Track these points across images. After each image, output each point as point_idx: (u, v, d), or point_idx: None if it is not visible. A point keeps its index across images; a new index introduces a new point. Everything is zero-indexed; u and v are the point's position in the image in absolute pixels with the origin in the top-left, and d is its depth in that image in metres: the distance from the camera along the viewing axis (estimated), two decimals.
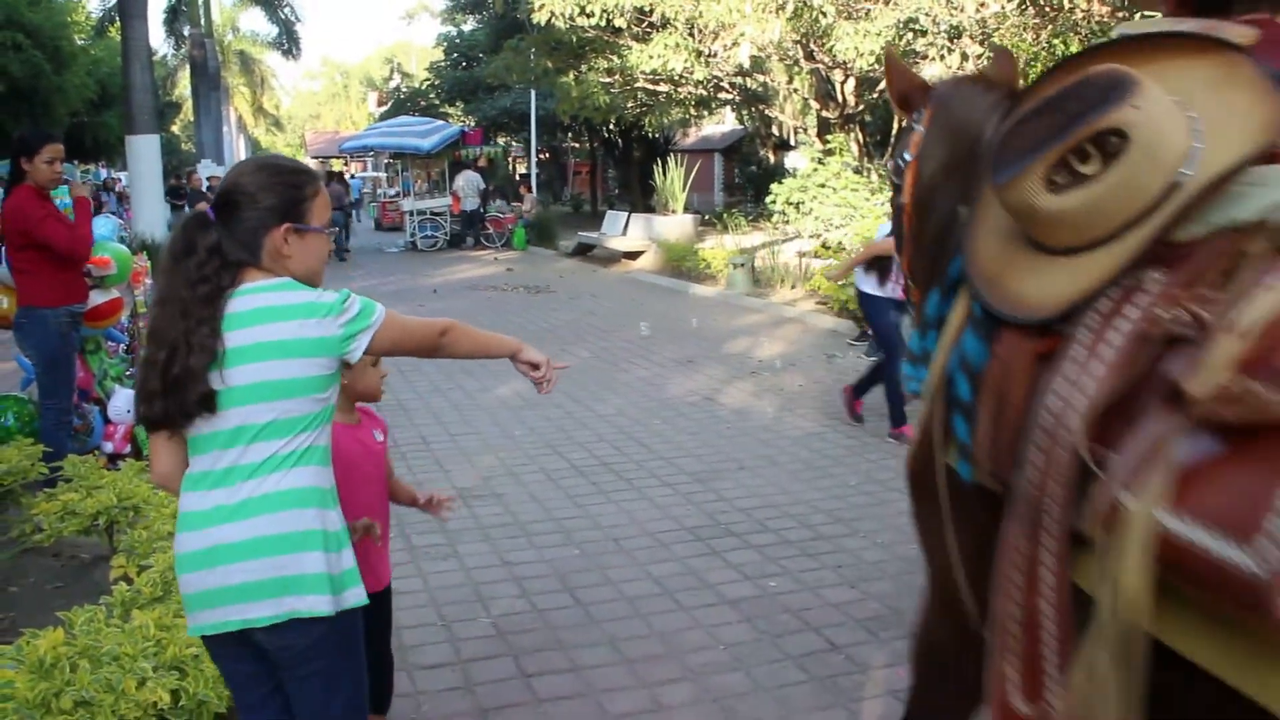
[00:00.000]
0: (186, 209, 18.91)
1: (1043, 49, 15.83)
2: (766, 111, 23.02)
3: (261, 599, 2.22)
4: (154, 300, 2.36)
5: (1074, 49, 16.05)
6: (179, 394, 2.20)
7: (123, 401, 6.58)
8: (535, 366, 2.74)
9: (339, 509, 2.39)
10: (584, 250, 22.33)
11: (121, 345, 7.63)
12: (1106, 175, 1.56)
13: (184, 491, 2.32)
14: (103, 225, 7.30)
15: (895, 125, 28.44)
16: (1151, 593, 1.33)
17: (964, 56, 15.67)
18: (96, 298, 6.30)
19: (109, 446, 6.48)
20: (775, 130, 25.25)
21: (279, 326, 2.23)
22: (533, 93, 27.44)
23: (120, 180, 34.24)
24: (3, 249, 5.94)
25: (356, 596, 2.34)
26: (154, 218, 18.68)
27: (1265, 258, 1.39)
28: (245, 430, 2.23)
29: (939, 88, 2.43)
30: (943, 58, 15.67)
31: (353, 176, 37.15)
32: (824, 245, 16.22)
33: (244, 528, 2.22)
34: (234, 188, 2.33)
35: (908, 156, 2.45)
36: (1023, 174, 1.65)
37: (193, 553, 2.26)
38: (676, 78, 18.99)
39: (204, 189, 18.38)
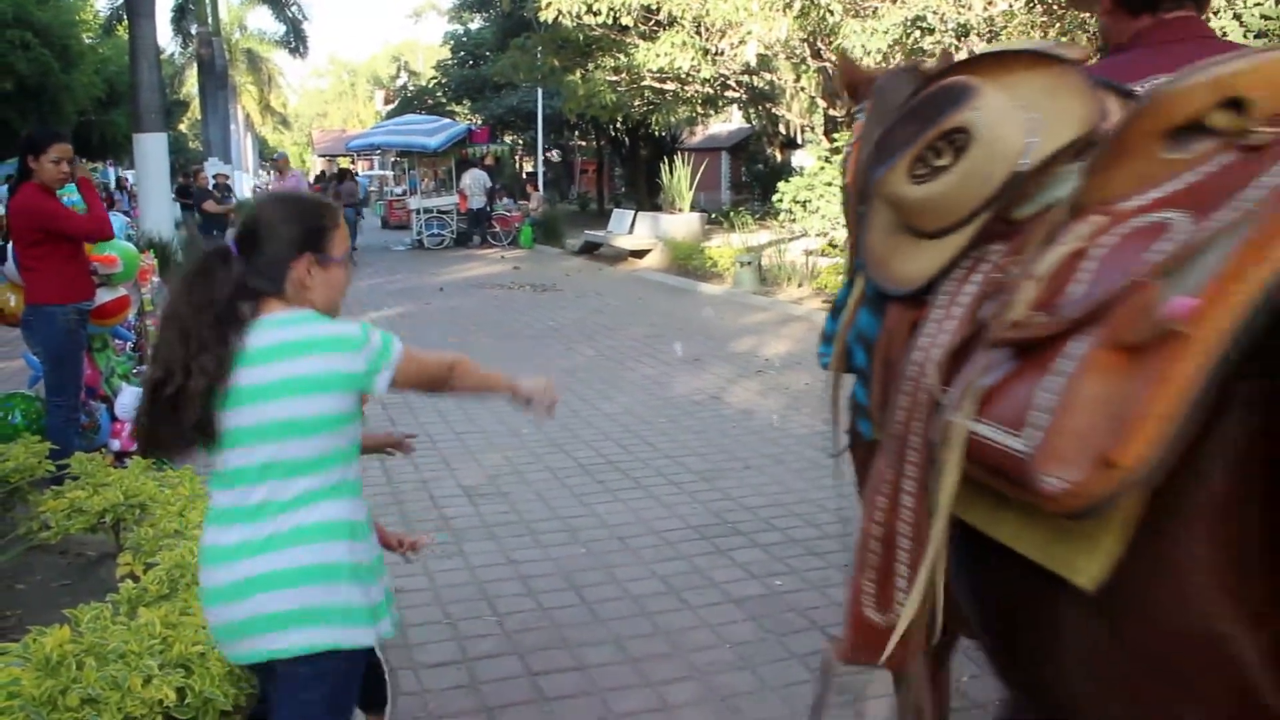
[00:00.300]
0: (195, 208, 18.96)
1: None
2: (773, 110, 23.00)
3: (298, 628, 2.23)
4: (160, 321, 2.36)
5: (1082, 46, 16.02)
6: (174, 418, 2.20)
7: (130, 399, 6.59)
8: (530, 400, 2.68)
9: (371, 539, 2.40)
10: (590, 249, 22.34)
11: (128, 343, 7.64)
12: (956, 167, 1.88)
13: (207, 526, 2.33)
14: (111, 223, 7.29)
15: None
16: (958, 484, 1.63)
17: (971, 55, 15.63)
18: (103, 295, 6.31)
19: (116, 444, 6.49)
20: (782, 129, 25.21)
21: (306, 361, 2.23)
22: (539, 91, 27.46)
23: (128, 179, 34.29)
24: (10, 247, 5.95)
25: (387, 628, 2.38)
26: (161, 216, 18.69)
27: (1065, 224, 1.68)
28: (275, 466, 2.23)
29: (879, 79, 2.67)
30: (1058, 43, 15.64)
31: (356, 175, 37.16)
32: (831, 244, 16.20)
33: (277, 559, 2.23)
34: (256, 220, 2.35)
35: (851, 140, 2.76)
36: (892, 170, 1.97)
37: (221, 586, 2.27)
38: (683, 76, 18.99)
39: (210, 186, 18.36)
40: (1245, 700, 1.38)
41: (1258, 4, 10.98)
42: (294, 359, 2.22)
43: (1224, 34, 10.69)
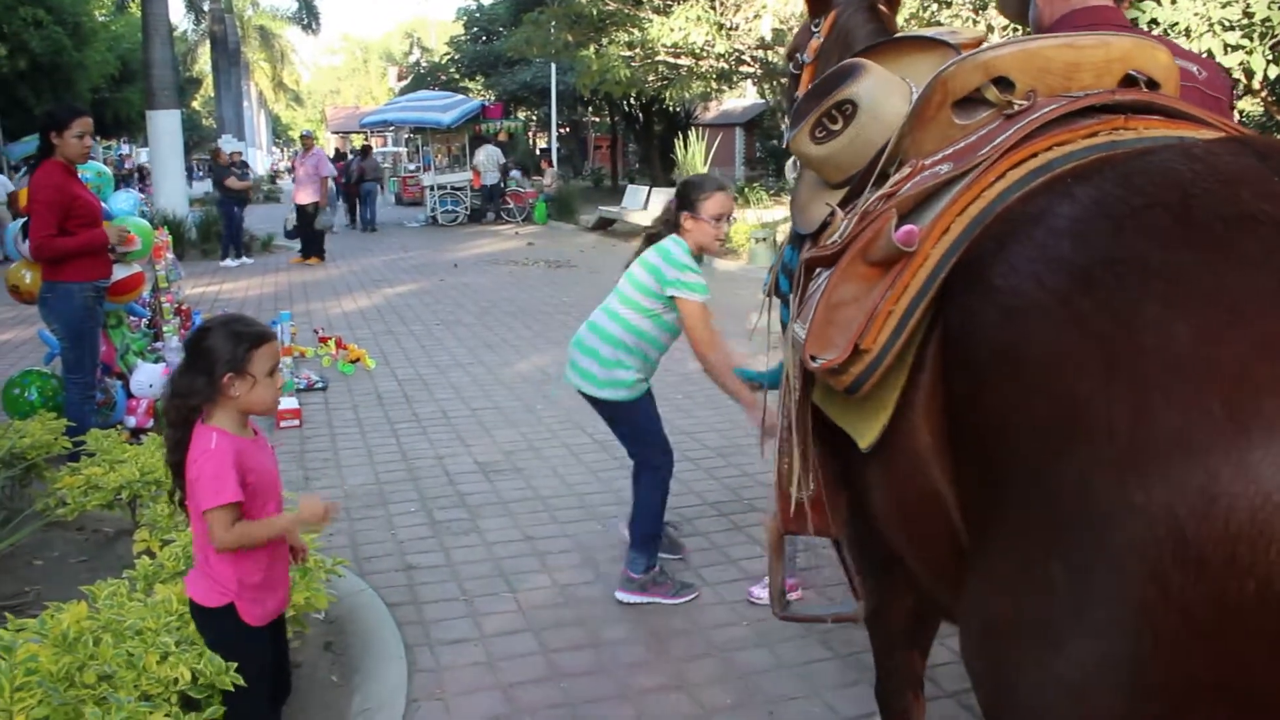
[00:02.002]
0: (216, 185, 18.95)
1: None
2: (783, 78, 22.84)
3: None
4: None
5: None
6: None
7: (145, 376, 6.60)
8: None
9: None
10: (605, 225, 22.27)
11: (143, 320, 7.64)
12: (846, 131, 2.32)
13: None
14: (124, 200, 7.28)
15: None
16: (803, 372, 2.09)
17: (990, 29, 15.50)
18: (119, 272, 6.30)
19: (131, 421, 6.50)
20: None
21: None
22: (553, 66, 27.37)
23: (130, 156, 34.27)
24: (25, 223, 5.94)
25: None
26: (175, 193, 18.72)
27: (893, 174, 2.09)
28: None
29: (841, 6, 3.11)
30: (952, 31, 15.49)
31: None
32: None
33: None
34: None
35: (805, 59, 3.24)
36: (799, 131, 2.43)
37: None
38: (697, 51, 18.85)
39: (229, 164, 18.39)
40: (954, 539, 1.74)
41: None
42: None
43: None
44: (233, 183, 17.43)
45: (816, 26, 3.22)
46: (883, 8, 3.15)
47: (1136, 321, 1.36)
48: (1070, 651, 1.37)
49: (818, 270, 2.12)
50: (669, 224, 4.33)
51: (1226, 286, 1.32)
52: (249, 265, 17.00)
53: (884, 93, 2.30)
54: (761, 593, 4.18)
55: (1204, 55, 11.64)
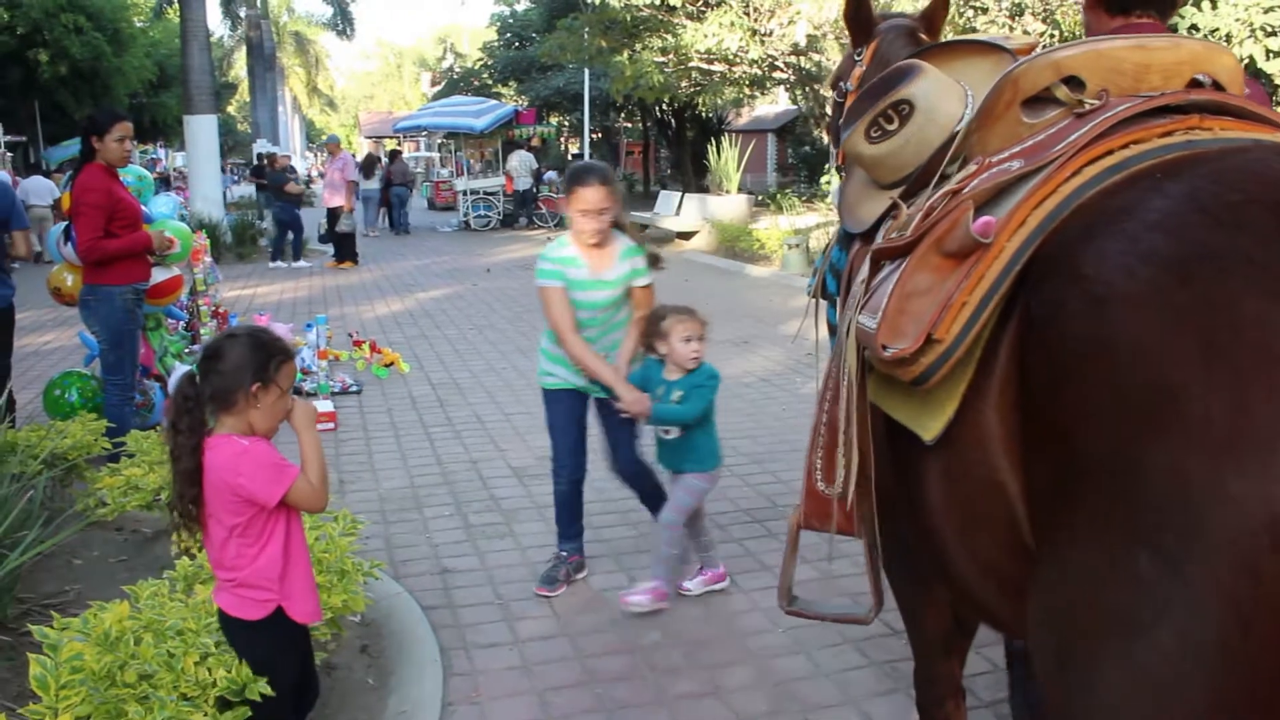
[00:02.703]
0: (270, 189, 19.21)
1: None
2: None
3: None
4: None
5: None
6: None
7: None
8: None
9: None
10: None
11: (181, 322, 7.71)
12: (902, 130, 2.31)
13: None
14: (164, 203, 7.35)
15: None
16: (861, 366, 2.11)
17: (1025, 35, 15.39)
18: (158, 275, 6.36)
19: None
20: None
21: None
22: (586, 72, 27.37)
23: (162, 161, 34.60)
24: (70, 226, 6.01)
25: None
26: (212, 196, 18.88)
27: (956, 172, 2.11)
28: None
29: (883, 29, 3.17)
30: (1005, 37, 15.40)
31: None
32: None
33: None
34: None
35: (849, 86, 3.26)
36: (854, 131, 2.41)
37: None
38: (731, 57, 18.83)
39: (286, 169, 18.65)
40: (1014, 531, 1.74)
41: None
42: None
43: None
44: (292, 188, 17.71)
45: (859, 55, 3.25)
46: (924, 35, 3.19)
47: (1237, 314, 1.36)
48: (1155, 643, 1.35)
49: (884, 263, 2.09)
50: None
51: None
52: (296, 269, 17.23)
53: (940, 94, 2.31)
54: (690, 584, 4.43)
55: (1245, 60, 11.53)
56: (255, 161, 26.78)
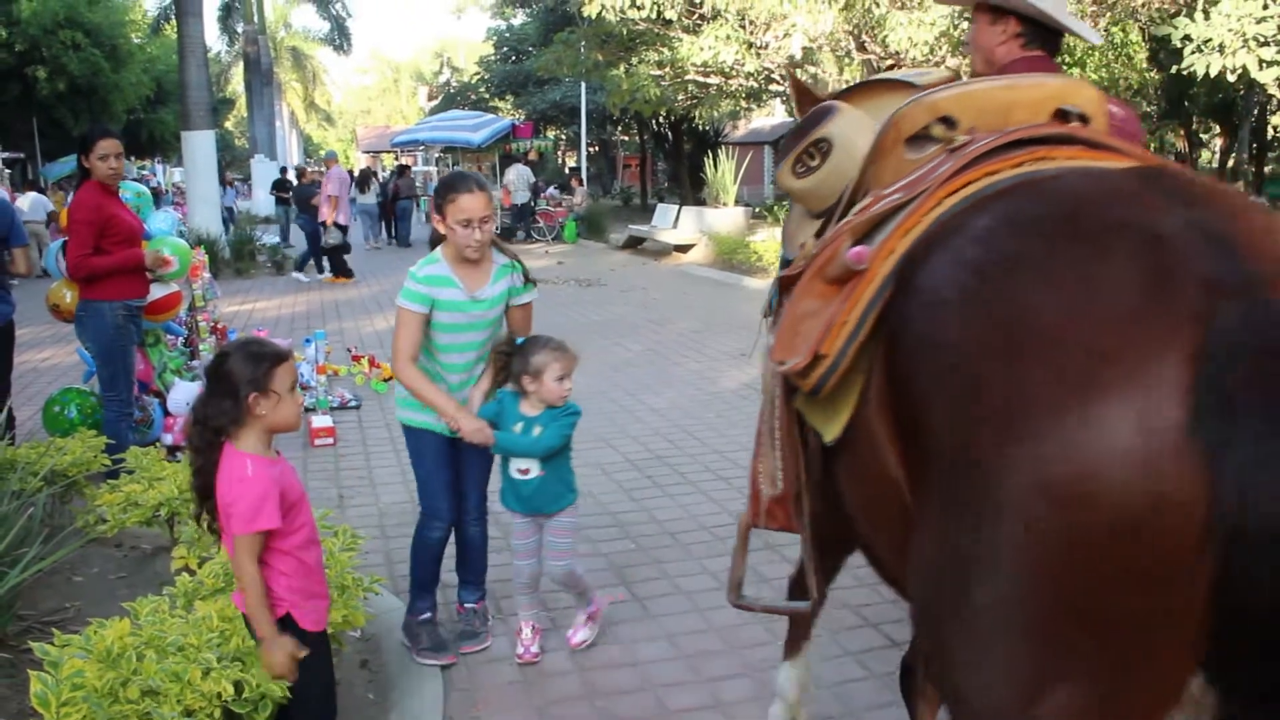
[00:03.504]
0: (292, 204, 19.27)
1: (1102, 37, 15.57)
2: None
3: None
4: None
5: (1133, 37, 15.78)
6: None
7: (182, 394, 6.65)
8: None
9: None
10: (635, 243, 22.32)
11: (180, 338, 7.71)
12: (824, 165, 2.63)
13: None
14: (163, 220, 7.36)
15: None
16: (784, 380, 2.32)
17: (947, 68, 15.45)
18: (156, 291, 6.37)
19: (169, 438, 6.55)
20: None
21: None
22: (583, 86, 27.46)
23: (153, 177, 34.72)
24: (65, 242, 6.02)
25: None
26: (210, 212, 18.89)
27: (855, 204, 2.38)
28: None
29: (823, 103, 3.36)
30: (922, 72, 15.42)
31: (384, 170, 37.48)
32: None
33: None
34: None
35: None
36: (782, 167, 2.74)
37: None
38: (727, 70, 18.87)
39: (313, 182, 18.75)
40: (907, 519, 1.86)
41: None
42: None
43: None
44: (319, 200, 17.70)
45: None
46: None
47: (1019, 305, 1.61)
48: (982, 587, 1.59)
49: (789, 289, 2.38)
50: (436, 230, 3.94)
51: (1094, 276, 1.56)
52: (309, 282, 17.39)
53: (854, 131, 2.61)
54: (581, 635, 4.12)
55: (1238, 70, 11.57)
56: (280, 174, 26.97)
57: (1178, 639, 1.49)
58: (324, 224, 17.10)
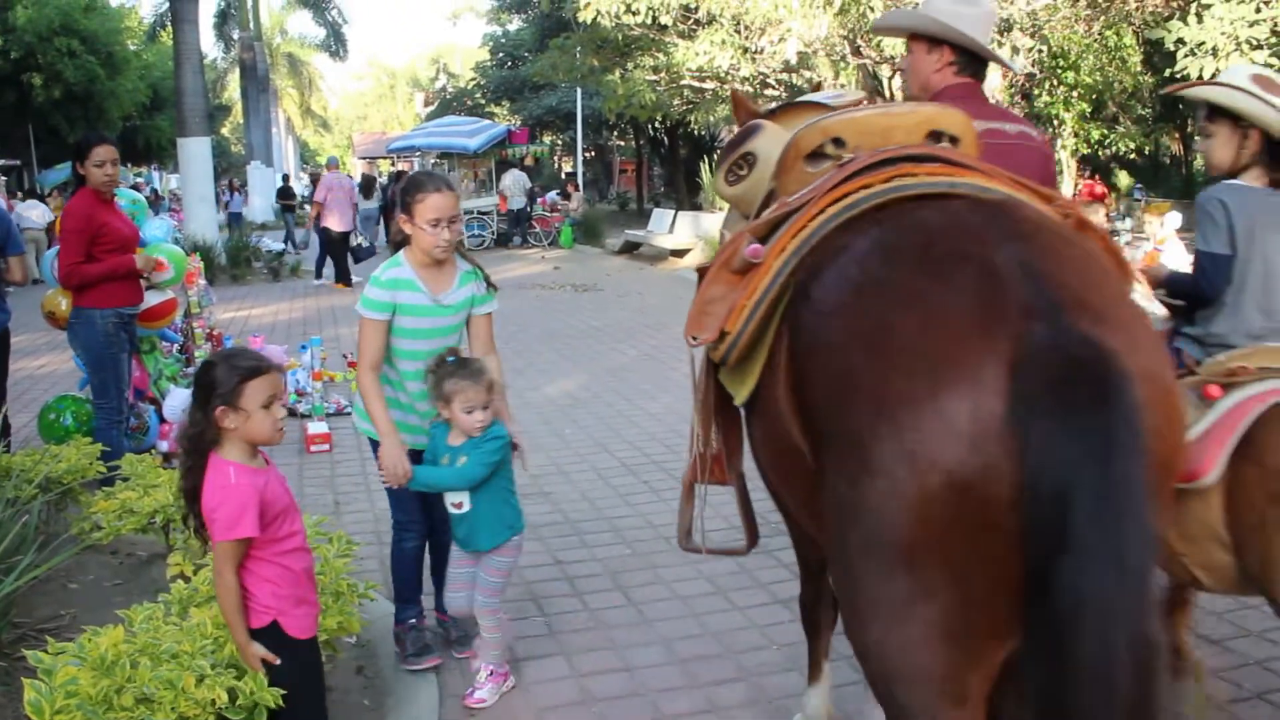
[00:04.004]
0: (297, 210, 19.23)
1: (1095, 40, 15.60)
2: None
3: None
4: None
5: (1127, 40, 15.81)
6: None
7: (177, 401, 6.65)
8: None
9: None
10: (631, 248, 22.33)
11: (176, 345, 7.72)
12: (750, 176, 3.08)
13: None
14: (158, 227, 7.37)
15: None
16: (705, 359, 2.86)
17: (1014, 50, 15.47)
18: (151, 298, 6.37)
19: (164, 445, 6.55)
20: None
21: None
22: (578, 91, 27.48)
23: (145, 186, 34.80)
24: (57, 251, 6.03)
25: None
26: (206, 218, 18.90)
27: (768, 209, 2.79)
28: None
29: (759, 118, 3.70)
30: (837, 94, 15.45)
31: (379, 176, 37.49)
32: None
33: None
34: None
35: None
36: (717, 174, 3.27)
37: None
38: (722, 74, 18.90)
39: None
40: (810, 475, 2.25)
41: None
42: None
43: None
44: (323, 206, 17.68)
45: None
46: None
47: (884, 319, 2.06)
48: (863, 522, 2.02)
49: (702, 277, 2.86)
50: (399, 231, 3.83)
51: (940, 299, 2.01)
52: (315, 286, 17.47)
53: (775, 146, 2.98)
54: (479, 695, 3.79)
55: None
56: (281, 183, 27.10)
57: (1000, 571, 1.90)
58: (327, 229, 17.10)
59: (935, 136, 2.69)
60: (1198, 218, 3.30)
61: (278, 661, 2.78)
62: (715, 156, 22.16)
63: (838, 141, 2.72)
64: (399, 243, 3.86)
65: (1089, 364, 1.84)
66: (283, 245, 21.19)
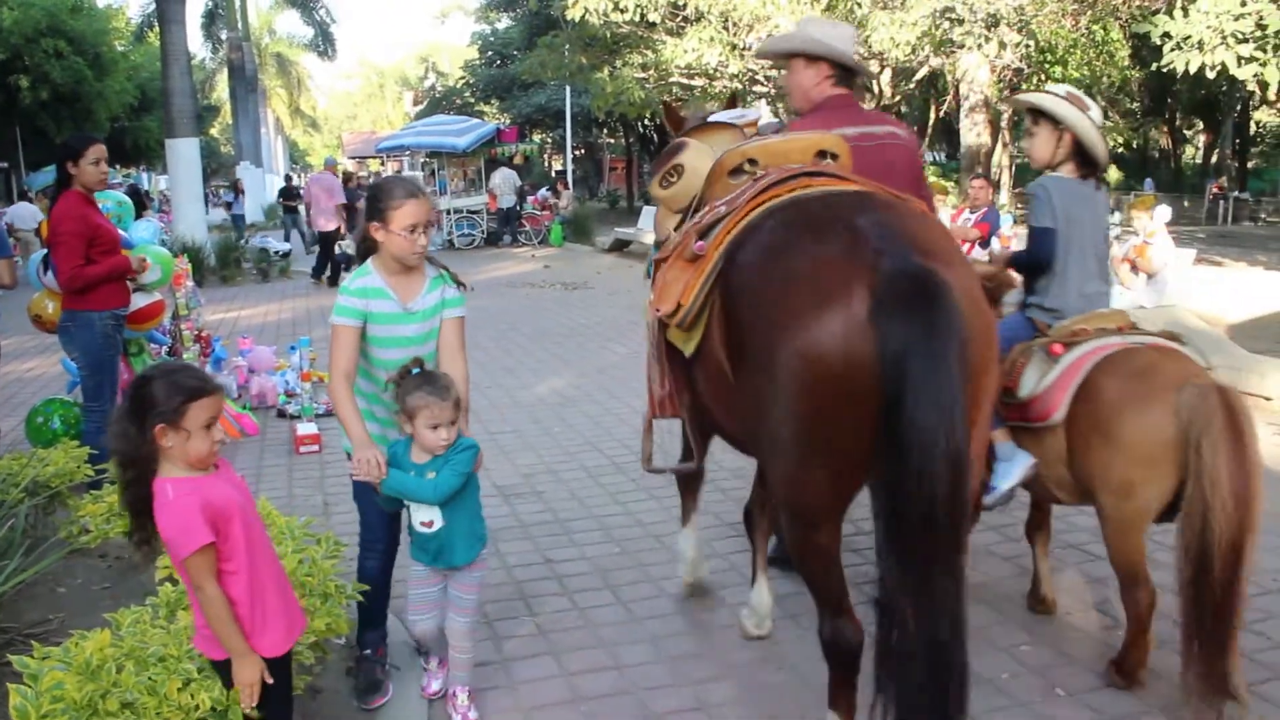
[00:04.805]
0: (299, 211, 19.17)
1: (1081, 35, 15.64)
2: None
3: None
4: None
5: (1114, 35, 15.85)
6: None
7: None
8: None
9: None
10: (621, 246, 22.33)
11: (164, 347, 7.70)
12: (679, 182, 3.99)
13: None
14: (144, 228, 7.35)
15: (931, 115, 28.08)
16: (658, 323, 3.63)
17: (1001, 45, 15.50)
18: (139, 300, 6.36)
19: None
20: None
21: None
22: (567, 89, 27.49)
23: (121, 187, 34.76)
24: (49, 254, 6.01)
25: None
26: (195, 219, 18.87)
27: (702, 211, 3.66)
28: None
29: (689, 122, 4.51)
30: (980, 46, 15.50)
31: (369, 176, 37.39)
32: None
33: None
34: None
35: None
36: (652, 181, 4.09)
37: None
38: (711, 71, 18.94)
39: (357, 186, 18.75)
40: (732, 390, 3.17)
41: None
42: None
43: None
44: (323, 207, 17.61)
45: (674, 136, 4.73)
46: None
47: (785, 266, 2.95)
48: (776, 402, 2.89)
49: (662, 264, 3.64)
50: (365, 239, 3.68)
51: (821, 249, 2.91)
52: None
53: (698, 159, 3.98)
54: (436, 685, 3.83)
55: (1218, 67, 11.63)
56: (284, 183, 27.11)
57: (867, 435, 2.73)
58: (338, 230, 17.07)
59: (822, 155, 3.61)
60: (1029, 202, 4.17)
61: (270, 681, 2.70)
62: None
63: (752, 161, 3.65)
64: (366, 250, 3.70)
65: (920, 279, 2.68)
66: (288, 245, 21.13)
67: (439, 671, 3.82)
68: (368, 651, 3.85)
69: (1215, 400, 3.38)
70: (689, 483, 4.59)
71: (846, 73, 4.14)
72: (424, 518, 3.47)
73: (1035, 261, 4.08)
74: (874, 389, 2.65)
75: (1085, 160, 4.12)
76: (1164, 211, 9.55)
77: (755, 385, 2.94)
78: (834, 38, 4.13)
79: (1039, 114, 4.12)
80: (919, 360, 2.59)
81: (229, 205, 29.86)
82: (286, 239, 23.02)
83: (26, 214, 18.78)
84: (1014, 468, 3.87)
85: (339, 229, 17.17)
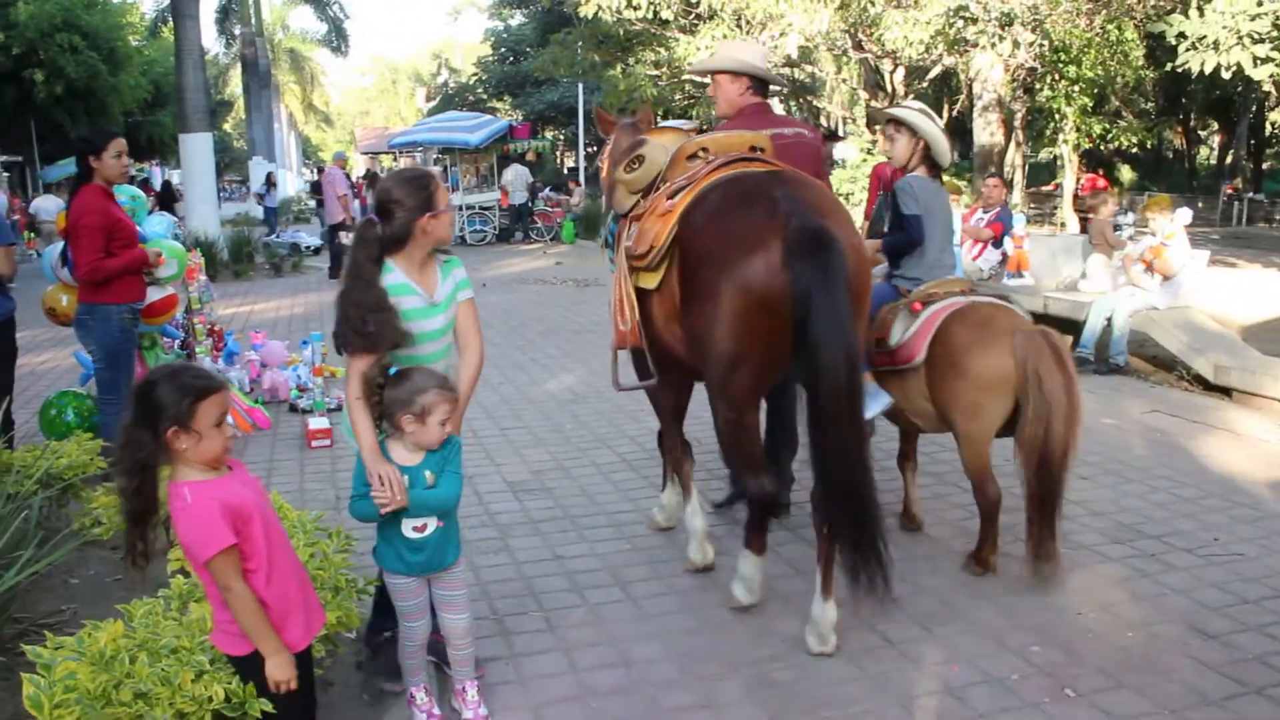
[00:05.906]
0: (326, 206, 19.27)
1: (1096, 35, 15.58)
2: (814, 102, 22.86)
3: None
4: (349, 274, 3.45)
5: (1129, 34, 15.78)
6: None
7: None
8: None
9: None
10: None
11: (176, 341, 7.73)
12: (639, 169, 4.71)
13: None
14: (158, 223, 7.38)
15: (945, 115, 28.06)
16: (628, 264, 4.59)
17: (1015, 44, 15.45)
18: (152, 294, 6.38)
19: None
20: (823, 121, 25.08)
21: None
22: (580, 86, 27.47)
23: (133, 182, 34.89)
24: (65, 247, 6.04)
25: None
26: (208, 214, 18.91)
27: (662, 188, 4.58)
28: None
29: (619, 126, 5.53)
30: (993, 45, 15.45)
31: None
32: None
33: None
34: (386, 197, 3.49)
35: (603, 155, 5.82)
36: (619, 168, 4.85)
37: None
38: None
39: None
40: (680, 319, 4.26)
41: None
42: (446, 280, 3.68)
43: None
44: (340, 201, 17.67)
45: (608, 139, 5.64)
46: (640, 125, 5.39)
47: (724, 224, 4.02)
48: (718, 322, 3.95)
49: (634, 223, 4.56)
50: (398, 239, 3.50)
51: (749, 213, 3.97)
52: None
53: (655, 152, 4.70)
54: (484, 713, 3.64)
55: (1233, 67, 11.59)
56: (315, 175, 27.16)
57: (782, 337, 3.80)
58: (344, 223, 17.10)
59: (753, 148, 4.54)
60: (899, 195, 5.11)
61: (294, 686, 2.69)
62: None
63: (704, 150, 4.55)
64: (390, 246, 3.52)
65: (819, 234, 3.75)
66: (319, 241, 21.17)
67: (479, 700, 3.62)
68: (387, 634, 3.77)
69: (1041, 340, 4.43)
70: (678, 461, 5.16)
71: (762, 84, 5.23)
72: (417, 524, 3.35)
73: (910, 242, 5.10)
74: (788, 311, 3.74)
75: (933, 164, 5.22)
76: (1185, 214, 9.47)
77: (703, 310, 4.01)
78: (753, 55, 5.30)
79: (899, 124, 5.19)
80: (819, 291, 3.66)
81: (261, 197, 29.80)
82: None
83: (52, 206, 18.94)
84: (875, 403, 4.79)
85: (344, 221, 17.20)
